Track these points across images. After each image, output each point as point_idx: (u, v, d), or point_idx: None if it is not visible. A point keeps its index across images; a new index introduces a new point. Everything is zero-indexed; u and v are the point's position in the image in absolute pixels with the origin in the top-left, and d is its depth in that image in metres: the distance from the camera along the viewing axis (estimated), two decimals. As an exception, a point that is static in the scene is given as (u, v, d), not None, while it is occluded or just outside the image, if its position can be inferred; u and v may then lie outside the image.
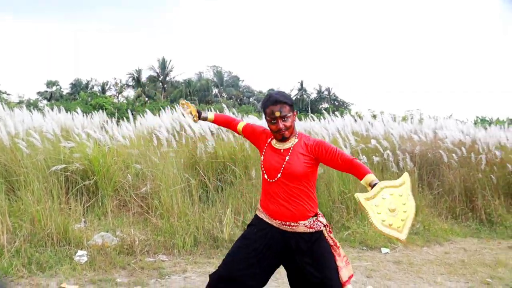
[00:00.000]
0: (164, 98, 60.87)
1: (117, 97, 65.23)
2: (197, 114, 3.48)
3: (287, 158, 2.91)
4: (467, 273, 5.21)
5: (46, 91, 62.71)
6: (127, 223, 5.89)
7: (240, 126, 3.36)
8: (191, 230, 5.53)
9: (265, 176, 2.97)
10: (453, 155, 8.08)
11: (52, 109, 8.91)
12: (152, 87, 64.09)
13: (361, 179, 2.77)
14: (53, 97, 60.73)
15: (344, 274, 2.91)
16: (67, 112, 9.12)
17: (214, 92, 63.64)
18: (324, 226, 2.98)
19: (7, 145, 6.34)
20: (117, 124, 8.52)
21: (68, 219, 5.35)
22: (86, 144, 6.64)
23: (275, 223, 2.97)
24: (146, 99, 58.49)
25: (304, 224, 2.93)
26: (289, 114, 2.93)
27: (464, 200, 7.82)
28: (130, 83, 66.99)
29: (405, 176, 2.75)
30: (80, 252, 4.88)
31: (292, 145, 2.96)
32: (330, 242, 2.96)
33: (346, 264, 2.97)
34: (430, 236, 6.67)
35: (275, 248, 2.95)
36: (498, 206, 7.68)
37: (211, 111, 3.51)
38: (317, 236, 2.95)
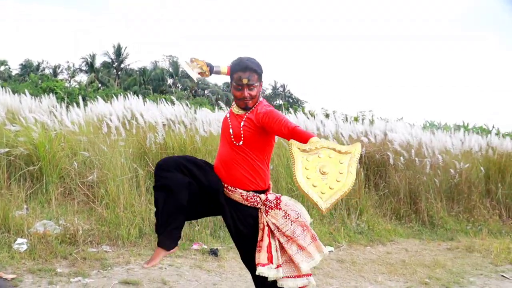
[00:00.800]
0: (117, 85, 59.52)
1: (69, 82, 63.41)
2: (208, 69, 3.25)
3: (242, 123, 2.87)
4: (407, 273, 5.35)
5: None
6: (71, 212, 5.75)
7: None
8: (136, 221, 5.46)
9: (232, 139, 2.89)
10: (400, 157, 8.27)
11: (3, 88, 8.59)
12: (106, 73, 62.48)
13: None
14: (1, 77, 57.14)
15: (259, 257, 2.81)
16: (14, 93, 8.82)
17: (168, 82, 62.73)
18: (263, 203, 2.88)
19: None
20: (67, 109, 8.30)
21: (8, 205, 5.18)
22: (32, 128, 6.44)
23: None
24: (100, 85, 57.26)
25: (240, 193, 2.88)
26: (256, 84, 2.87)
27: (408, 202, 8.03)
28: (84, 68, 65.12)
29: (356, 147, 2.49)
30: (19, 240, 4.74)
31: (247, 112, 2.91)
32: (260, 226, 2.86)
33: (264, 252, 2.82)
34: (374, 236, 6.81)
35: (212, 198, 2.95)
36: (440, 209, 7.93)
37: (219, 67, 3.29)
38: (251, 213, 2.89)
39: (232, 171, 2.90)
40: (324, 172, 2.41)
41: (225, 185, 2.93)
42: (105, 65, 63.69)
